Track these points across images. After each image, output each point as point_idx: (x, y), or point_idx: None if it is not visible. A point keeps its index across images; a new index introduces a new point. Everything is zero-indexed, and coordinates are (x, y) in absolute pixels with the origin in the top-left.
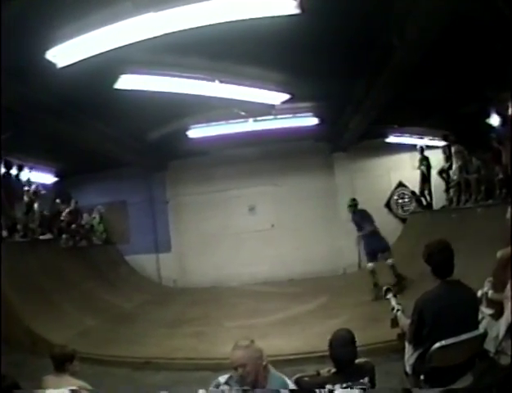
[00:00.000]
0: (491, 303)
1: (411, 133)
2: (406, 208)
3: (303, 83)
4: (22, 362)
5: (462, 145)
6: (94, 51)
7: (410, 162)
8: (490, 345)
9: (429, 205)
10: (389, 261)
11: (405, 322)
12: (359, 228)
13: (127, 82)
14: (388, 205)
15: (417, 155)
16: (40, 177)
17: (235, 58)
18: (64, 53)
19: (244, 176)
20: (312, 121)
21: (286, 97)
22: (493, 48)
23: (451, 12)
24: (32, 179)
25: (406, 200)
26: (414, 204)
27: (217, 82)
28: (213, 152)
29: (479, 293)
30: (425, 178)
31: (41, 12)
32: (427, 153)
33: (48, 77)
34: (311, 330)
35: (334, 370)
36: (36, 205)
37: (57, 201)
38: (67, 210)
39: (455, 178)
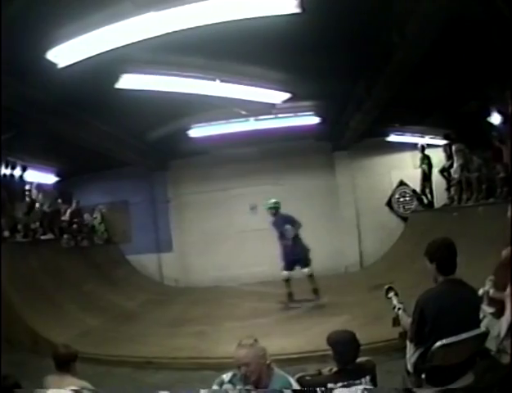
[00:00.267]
0: (492, 301)
1: (412, 132)
2: (407, 207)
3: (304, 82)
4: (23, 362)
5: (463, 143)
6: (95, 50)
7: (412, 161)
8: (491, 344)
9: (431, 203)
10: (306, 270)
11: (406, 320)
12: (280, 234)
13: (128, 81)
14: (389, 203)
15: (418, 154)
16: (41, 177)
17: (235, 57)
18: (65, 53)
19: (245, 175)
20: (313, 120)
21: (287, 96)
22: (494, 47)
23: (451, 11)
24: (33, 179)
25: (408, 198)
26: (415, 203)
27: (218, 81)
28: (214, 151)
29: (481, 292)
30: (426, 177)
31: (41, 12)
32: (428, 152)
33: (49, 77)
34: (312, 329)
35: (335, 369)
36: (37, 206)
37: (59, 200)
38: (69, 210)
39: (456, 176)
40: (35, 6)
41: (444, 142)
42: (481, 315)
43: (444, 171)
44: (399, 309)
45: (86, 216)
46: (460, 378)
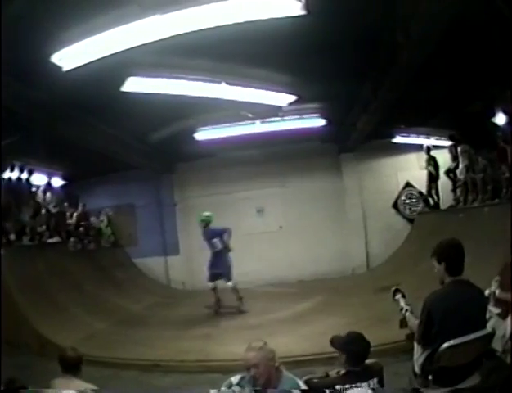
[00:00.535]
0: (498, 302)
1: (418, 133)
2: (413, 208)
3: (310, 84)
4: (30, 365)
5: (468, 144)
6: (100, 54)
7: (418, 162)
8: (497, 344)
9: (437, 205)
10: (230, 284)
11: (414, 322)
12: (209, 245)
13: (134, 84)
14: (395, 205)
15: (424, 155)
16: (47, 180)
17: (241, 60)
18: (70, 56)
19: (251, 178)
20: (319, 122)
21: (293, 98)
22: (496, 47)
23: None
24: (40, 183)
25: (414, 200)
26: (421, 204)
27: (223, 84)
28: (220, 154)
29: (487, 292)
30: (432, 178)
31: (46, 15)
32: (435, 153)
33: (55, 80)
34: (319, 331)
35: (343, 371)
36: (43, 209)
37: (65, 204)
38: (75, 214)
39: (461, 177)
40: (40, 9)
41: (449, 143)
42: (487, 316)
43: (450, 172)
44: (406, 310)
45: (92, 219)
46: (467, 379)
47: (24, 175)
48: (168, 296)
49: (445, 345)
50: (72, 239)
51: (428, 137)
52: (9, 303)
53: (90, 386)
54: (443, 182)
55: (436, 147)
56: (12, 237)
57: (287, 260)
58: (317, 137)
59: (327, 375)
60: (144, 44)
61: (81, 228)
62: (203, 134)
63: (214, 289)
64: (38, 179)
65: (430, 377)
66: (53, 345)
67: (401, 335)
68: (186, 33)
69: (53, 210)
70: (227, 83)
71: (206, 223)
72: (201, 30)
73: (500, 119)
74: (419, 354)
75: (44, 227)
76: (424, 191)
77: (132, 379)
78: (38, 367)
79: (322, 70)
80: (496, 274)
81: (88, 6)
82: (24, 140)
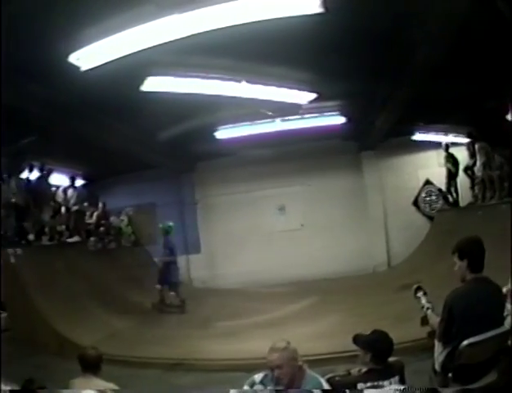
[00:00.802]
0: None
1: (437, 131)
2: (433, 206)
3: (329, 81)
4: (49, 364)
5: (485, 141)
6: (118, 53)
7: (437, 160)
8: None
9: (456, 202)
10: (172, 294)
11: (435, 320)
12: (165, 253)
13: (153, 84)
14: (415, 203)
15: (443, 153)
16: (67, 180)
17: (260, 58)
18: (87, 56)
19: (272, 176)
20: (339, 120)
21: (313, 96)
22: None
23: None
24: (59, 183)
25: (434, 197)
26: (441, 201)
27: (243, 82)
28: (240, 153)
29: (504, 290)
30: (451, 176)
31: (63, 15)
32: (454, 150)
33: (73, 80)
34: (342, 329)
35: (365, 369)
36: (63, 208)
37: (85, 204)
38: (95, 213)
39: (479, 174)
40: (57, 9)
41: (467, 140)
42: (505, 313)
43: (468, 169)
44: (428, 308)
45: (113, 219)
46: (486, 376)
47: (45, 175)
48: (189, 295)
49: (465, 342)
50: (92, 238)
51: (446, 135)
52: (27, 303)
53: (110, 386)
54: (462, 179)
55: (454, 145)
56: (31, 237)
57: (308, 259)
58: (338, 135)
59: (349, 373)
60: (163, 44)
61: (101, 228)
62: (223, 133)
63: (161, 291)
64: (58, 179)
65: (450, 375)
66: (72, 344)
67: (422, 333)
68: (205, 32)
69: (73, 209)
70: (247, 82)
71: (167, 232)
72: (220, 29)
73: None
74: (439, 352)
75: (64, 226)
76: (443, 188)
77: (154, 378)
78: (57, 367)
79: (341, 67)
80: None
81: (105, 6)
82: (43, 140)
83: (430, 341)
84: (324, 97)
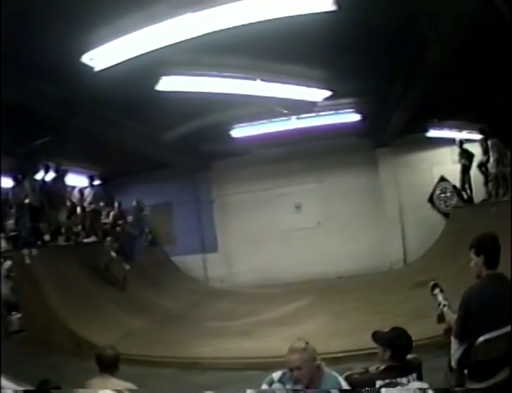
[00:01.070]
0: None
1: (450, 127)
2: (448, 202)
3: (344, 79)
4: (65, 365)
5: (498, 137)
6: (132, 53)
7: (451, 156)
8: None
9: (470, 199)
10: (128, 267)
11: (451, 317)
12: (134, 227)
13: (168, 83)
14: (431, 199)
15: (457, 149)
16: (83, 180)
17: (275, 56)
18: (101, 56)
19: (288, 174)
20: (354, 117)
21: (328, 93)
22: None
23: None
24: (75, 183)
25: (448, 194)
26: (456, 198)
27: (258, 80)
28: (256, 151)
29: None
30: (466, 172)
31: (75, 16)
32: (468, 147)
33: (87, 80)
34: (358, 327)
35: (383, 367)
36: (79, 208)
37: (101, 203)
38: (112, 213)
39: (492, 171)
40: (70, 9)
41: (480, 136)
42: None
43: (482, 166)
44: (444, 305)
45: (129, 218)
46: (500, 372)
47: (59, 175)
48: (206, 294)
49: (481, 338)
50: (108, 238)
51: (460, 131)
52: (43, 303)
53: (128, 385)
54: (475, 176)
55: (468, 141)
56: (47, 237)
57: (325, 257)
58: (353, 133)
59: (367, 371)
60: (176, 43)
61: (117, 228)
62: (239, 131)
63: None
64: (74, 180)
65: (466, 372)
66: (89, 344)
67: (439, 330)
68: (219, 31)
69: (88, 208)
70: (262, 80)
71: (141, 209)
72: (233, 28)
73: None
74: (455, 349)
75: (80, 226)
76: (457, 185)
77: (171, 377)
78: (73, 367)
79: (355, 65)
80: None
81: (118, 6)
82: (57, 140)
83: (446, 338)
84: (338, 95)
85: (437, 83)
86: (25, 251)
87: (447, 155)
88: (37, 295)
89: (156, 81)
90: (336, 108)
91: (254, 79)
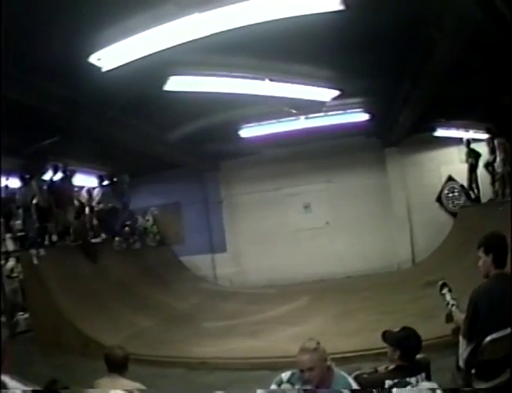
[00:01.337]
0: None
1: (457, 127)
2: (456, 202)
3: (352, 78)
4: (73, 365)
5: (504, 137)
6: (139, 53)
7: (459, 156)
8: None
9: (478, 198)
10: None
11: (459, 316)
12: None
13: (176, 83)
14: (439, 199)
15: (464, 149)
16: (92, 181)
17: (283, 56)
18: (108, 57)
19: (297, 174)
20: (363, 117)
21: (336, 93)
22: None
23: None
24: (84, 183)
25: (456, 194)
26: (463, 198)
27: (267, 80)
28: (265, 151)
29: None
30: (473, 172)
31: (82, 16)
32: (475, 146)
33: (95, 80)
34: (367, 327)
35: (392, 366)
36: (87, 209)
37: (109, 204)
38: None
39: (499, 170)
40: (78, 9)
41: (487, 136)
42: None
43: (488, 165)
44: (453, 305)
45: (138, 218)
46: (507, 371)
47: (67, 176)
48: (215, 294)
49: (488, 338)
50: (117, 238)
51: (467, 131)
52: (51, 303)
53: (137, 385)
54: (482, 175)
55: (476, 141)
56: (54, 237)
57: (334, 256)
58: (361, 132)
59: (376, 370)
60: (184, 43)
61: (126, 228)
62: (247, 131)
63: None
64: (83, 180)
65: (473, 371)
66: (97, 344)
67: (447, 330)
68: (226, 31)
69: (96, 208)
70: (271, 80)
71: (121, 182)
72: (241, 27)
73: None
74: (463, 349)
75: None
76: (465, 184)
77: (179, 377)
78: (81, 367)
79: (363, 64)
80: None
81: (125, 6)
82: (65, 141)
83: (455, 338)
84: (347, 95)
85: (444, 82)
86: (33, 251)
87: (455, 154)
88: (44, 296)
89: (164, 81)
90: (344, 108)
91: (263, 79)
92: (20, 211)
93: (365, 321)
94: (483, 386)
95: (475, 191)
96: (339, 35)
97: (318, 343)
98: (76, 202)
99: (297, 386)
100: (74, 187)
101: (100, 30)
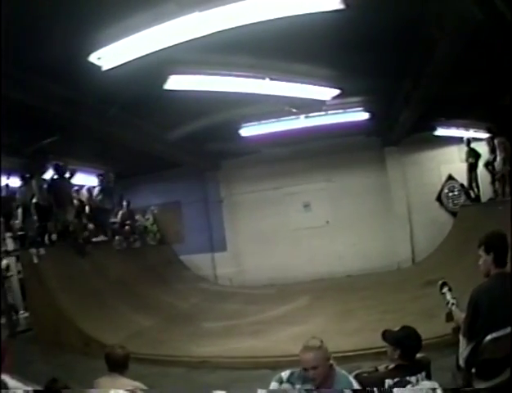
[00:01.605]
0: None
1: (458, 126)
2: (456, 201)
3: (352, 77)
4: (73, 364)
5: (504, 136)
6: (140, 52)
7: (459, 155)
8: None
9: (478, 197)
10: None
11: (459, 316)
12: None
13: (176, 82)
14: (439, 198)
15: (465, 148)
16: (91, 180)
17: (283, 55)
18: (108, 56)
19: (297, 173)
20: (363, 116)
21: (336, 92)
22: None
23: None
24: (83, 182)
25: (456, 193)
26: (463, 197)
27: (267, 79)
28: (265, 150)
29: None
30: (472, 171)
31: (82, 15)
32: (476, 146)
33: (95, 80)
34: (367, 326)
35: (392, 365)
36: (88, 208)
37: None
38: (120, 212)
39: (499, 170)
40: (78, 8)
41: (487, 135)
42: None
43: (488, 165)
44: (453, 304)
45: (138, 217)
46: (507, 371)
47: (67, 175)
48: (215, 293)
49: (488, 337)
50: (117, 237)
51: (467, 130)
52: (51, 302)
53: (137, 384)
54: (482, 174)
55: (476, 140)
56: (54, 237)
57: (334, 255)
58: (361, 131)
59: (376, 369)
60: (184, 42)
61: (126, 227)
62: (247, 130)
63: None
64: (83, 179)
65: (474, 371)
66: (97, 343)
67: (447, 329)
68: (227, 30)
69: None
70: (271, 79)
71: (108, 180)
72: (241, 26)
73: None
74: (464, 348)
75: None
76: (465, 183)
77: (180, 376)
78: (82, 366)
79: (363, 63)
80: None
81: (125, 5)
82: (65, 140)
83: (455, 337)
84: (347, 94)
85: (444, 81)
86: (33, 251)
87: (455, 153)
88: (45, 295)
89: (164, 80)
90: (344, 107)
91: (263, 78)
92: (20, 210)
93: (365, 320)
94: (483, 385)
95: (475, 190)
96: (339, 34)
97: (322, 341)
98: (76, 201)
99: (297, 386)
100: (74, 186)
101: (100, 29)
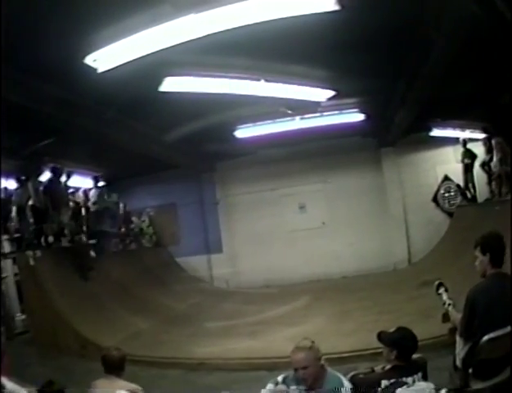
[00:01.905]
0: None
1: (454, 126)
2: (452, 202)
3: (347, 79)
4: (70, 366)
5: (501, 137)
6: (135, 54)
7: (454, 156)
8: None
9: (474, 198)
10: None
11: (456, 316)
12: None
13: (171, 84)
14: (435, 199)
15: (460, 149)
16: (87, 182)
17: (278, 56)
18: (105, 57)
19: (292, 174)
20: (358, 117)
21: (331, 93)
22: None
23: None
24: (79, 185)
25: (452, 193)
26: (459, 197)
27: (262, 81)
28: (260, 152)
29: None
30: (468, 171)
31: (80, 17)
32: (472, 146)
33: (91, 81)
34: (363, 326)
35: (388, 366)
36: (83, 210)
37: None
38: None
39: (495, 170)
40: (74, 10)
41: (484, 135)
42: None
43: (485, 165)
44: (449, 304)
45: (134, 219)
46: (504, 371)
47: (63, 177)
48: (211, 295)
49: (485, 337)
50: (113, 240)
51: (463, 130)
52: (48, 304)
53: (134, 386)
54: (478, 175)
55: (472, 141)
56: (51, 239)
57: (330, 256)
58: (357, 132)
59: (372, 370)
60: (180, 44)
61: (122, 229)
62: (243, 132)
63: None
64: (79, 181)
65: (470, 371)
66: (95, 345)
67: (444, 329)
68: (223, 32)
69: (92, 209)
70: (266, 81)
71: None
72: (237, 28)
73: None
74: (460, 348)
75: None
76: (461, 184)
77: (178, 378)
78: (78, 368)
79: (358, 65)
80: None
81: (121, 7)
82: (61, 142)
83: (451, 338)
84: (342, 95)
85: (440, 82)
86: (29, 253)
87: (451, 154)
88: (41, 297)
89: (160, 82)
90: (340, 108)
91: (258, 80)
92: (16, 212)
93: (361, 321)
94: (481, 385)
95: (471, 190)
96: (334, 35)
97: (313, 342)
98: (72, 203)
99: (292, 387)
100: (70, 188)
101: (95, 31)
